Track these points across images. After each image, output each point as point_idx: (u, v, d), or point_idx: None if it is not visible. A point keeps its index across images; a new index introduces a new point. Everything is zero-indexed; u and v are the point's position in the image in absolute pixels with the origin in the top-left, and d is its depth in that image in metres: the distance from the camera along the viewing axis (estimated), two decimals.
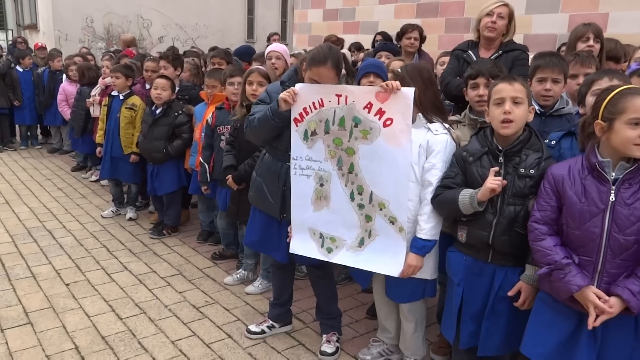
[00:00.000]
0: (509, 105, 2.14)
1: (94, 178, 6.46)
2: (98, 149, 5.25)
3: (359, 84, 3.21)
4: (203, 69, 6.16)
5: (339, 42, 6.40)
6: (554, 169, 2.05)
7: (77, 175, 6.82)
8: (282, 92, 2.70)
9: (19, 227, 4.85)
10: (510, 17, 3.53)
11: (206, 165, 4.06)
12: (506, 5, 3.52)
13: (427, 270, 2.45)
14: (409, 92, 2.28)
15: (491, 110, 2.21)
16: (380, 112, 2.33)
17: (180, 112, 4.58)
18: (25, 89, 7.95)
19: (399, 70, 2.46)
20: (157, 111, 4.58)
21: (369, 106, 2.35)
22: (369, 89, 2.44)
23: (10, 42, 10.26)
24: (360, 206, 2.48)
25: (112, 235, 4.75)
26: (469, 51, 3.54)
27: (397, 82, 2.30)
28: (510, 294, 2.19)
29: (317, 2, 10.83)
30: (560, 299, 1.95)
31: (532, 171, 2.14)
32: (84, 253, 4.31)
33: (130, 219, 5.14)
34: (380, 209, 2.41)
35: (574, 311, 1.96)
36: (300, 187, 2.62)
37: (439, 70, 4.39)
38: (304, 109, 2.52)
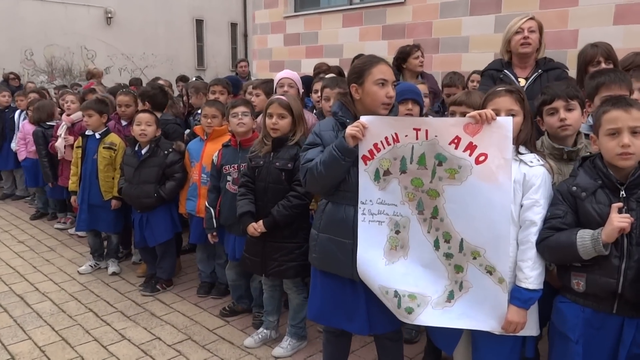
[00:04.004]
0: (628, 138, 1.85)
1: (72, 230, 5.63)
2: (72, 198, 4.61)
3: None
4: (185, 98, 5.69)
5: (330, 70, 6.08)
6: None
7: (38, 224, 6.06)
8: (335, 125, 2.34)
9: None
10: (541, 30, 3.33)
11: (212, 210, 3.57)
12: (533, 18, 3.33)
13: (530, 324, 2.08)
14: (506, 121, 1.96)
15: (603, 141, 1.91)
16: (471, 147, 1.98)
17: (170, 149, 4.07)
18: None
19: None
20: (143, 151, 4.04)
21: (456, 141, 2.00)
22: (454, 120, 2.10)
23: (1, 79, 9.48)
24: (448, 255, 2.11)
25: (96, 295, 4.11)
26: (505, 70, 3.30)
27: (491, 111, 1.97)
28: None
29: (277, 27, 10.57)
30: None
31: None
32: (69, 321, 3.67)
33: (114, 274, 4.51)
34: (474, 258, 2.05)
35: None
36: (370, 236, 2.21)
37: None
38: (375, 144, 2.14)
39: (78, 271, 4.56)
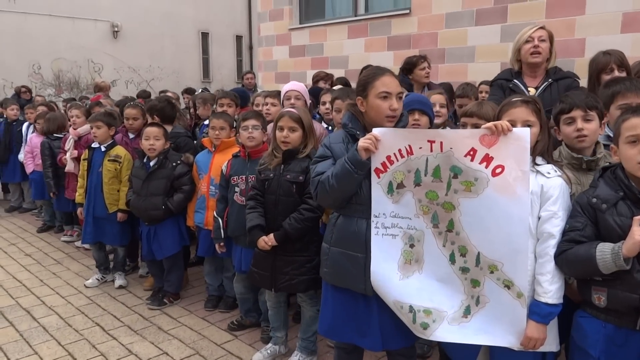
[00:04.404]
0: None
1: (78, 242, 5.63)
2: (79, 210, 4.60)
3: None
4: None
5: (328, 77, 6.09)
6: None
7: (45, 237, 6.05)
8: (345, 137, 2.32)
9: None
10: (551, 39, 3.30)
11: (220, 220, 3.54)
12: (543, 27, 3.31)
13: (550, 340, 2.02)
14: (523, 132, 1.92)
15: (623, 150, 1.87)
16: (487, 159, 1.95)
17: (178, 162, 4.04)
18: None
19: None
20: (152, 163, 4.02)
21: (472, 153, 1.97)
22: (470, 132, 2.06)
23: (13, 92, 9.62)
24: (464, 270, 2.06)
25: (103, 309, 4.07)
26: (515, 80, 3.27)
27: (507, 123, 1.94)
28: None
29: (283, 39, 10.61)
30: None
31: None
32: (75, 336, 3.63)
33: (121, 287, 4.48)
34: (491, 272, 2.00)
35: None
36: (384, 250, 2.17)
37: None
38: (388, 157, 2.11)
39: (85, 284, 4.53)
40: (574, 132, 2.25)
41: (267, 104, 3.95)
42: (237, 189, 3.43)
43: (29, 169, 6.11)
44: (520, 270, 1.94)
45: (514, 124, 2.02)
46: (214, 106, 4.94)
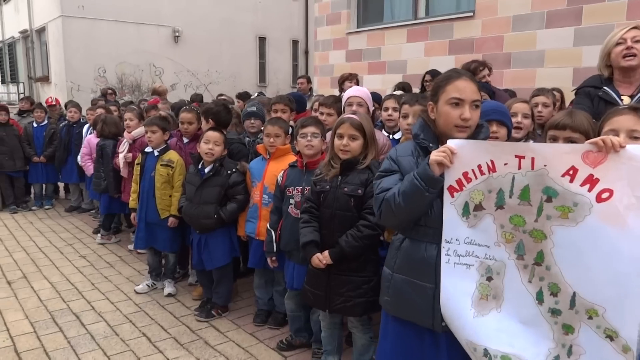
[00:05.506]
0: None
1: (131, 246, 5.59)
2: (132, 215, 4.54)
3: None
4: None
5: (352, 76, 5.81)
6: None
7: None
8: (415, 149, 2.04)
9: (40, 310, 4.08)
10: None
11: (273, 233, 3.34)
12: (637, 27, 2.89)
13: None
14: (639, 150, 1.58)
15: None
16: (592, 181, 1.62)
17: (233, 170, 3.87)
18: (37, 145, 7.34)
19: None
20: (207, 170, 3.88)
21: (571, 172, 1.65)
22: (570, 147, 1.74)
23: (99, 94, 10.02)
24: (555, 312, 1.74)
25: (151, 318, 3.97)
26: (605, 87, 2.88)
27: (619, 138, 1.61)
28: None
29: (339, 43, 10.43)
30: None
31: None
32: (122, 346, 3.53)
33: (169, 295, 4.38)
34: (590, 318, 1.67)
35: None
36: (456, 281, 1.88)
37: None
38: (464, 173, 1.82)
39: (135, 290, 4.46)
40: None
41: (322, 114, 3.71)
42: (292, 201, 3.22)
43: (88, 170, 6.11)
44: (628, 318, 1.60)
45: (616, 134, 1.70)
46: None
